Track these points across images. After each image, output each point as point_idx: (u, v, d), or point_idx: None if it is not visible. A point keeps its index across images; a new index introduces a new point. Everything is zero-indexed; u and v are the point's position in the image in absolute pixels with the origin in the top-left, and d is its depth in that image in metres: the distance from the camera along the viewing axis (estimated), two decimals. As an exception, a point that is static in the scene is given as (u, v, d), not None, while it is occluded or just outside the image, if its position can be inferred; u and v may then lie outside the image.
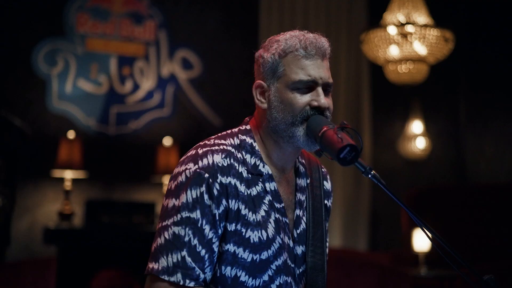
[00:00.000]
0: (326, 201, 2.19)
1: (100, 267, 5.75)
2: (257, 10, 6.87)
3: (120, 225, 5.99)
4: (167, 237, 1.85)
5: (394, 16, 5.27)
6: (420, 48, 5.16)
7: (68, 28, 6.45)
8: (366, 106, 7.04)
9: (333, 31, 6.91)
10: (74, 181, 6.11)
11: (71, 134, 6.07)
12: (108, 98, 6.52)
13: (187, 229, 1.84)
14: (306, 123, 1.92)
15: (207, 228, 1.86)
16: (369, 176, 1.83)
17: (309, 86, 1.92)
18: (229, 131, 2.04)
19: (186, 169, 1.90)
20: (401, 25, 5.15)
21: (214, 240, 1.87)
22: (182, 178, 1.89)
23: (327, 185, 2.22)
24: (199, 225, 1.85)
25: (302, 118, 1.92)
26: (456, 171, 7.33)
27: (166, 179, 6.22)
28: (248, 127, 2.04)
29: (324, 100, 1.93)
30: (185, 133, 6.63)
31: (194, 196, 1.86)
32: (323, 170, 2.22)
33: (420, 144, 6.99)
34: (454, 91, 7.32)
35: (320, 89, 1.93)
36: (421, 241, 5.55)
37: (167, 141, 6.38)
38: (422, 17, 5.19)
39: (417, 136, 7.00)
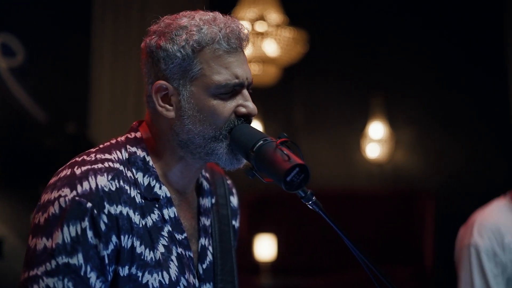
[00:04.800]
0: (233, 222, 1.81)
1: None
2: (89, -4, 6.28)
3: None
4: None
5: (245, 13, 5.00)
6: (271, 49, 4.94)
7: None
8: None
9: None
10: None
11: None
12: None
13: (65, 280, 1.39)
14: (230, 136, 1.53)
15: (93, 276, 1.41)
16: (310, 203, 1.50)
17: (234, 89, 1.53)
18: (113, 141, 1.59)
19: (60, 196, 1.43)
20: (252, 23, 4.91)
21: None
22: (54, 209, 1.42)
23: (234, 201, 1.85)
24: (82, 274, 1.40)
25: (227, 130, 1.53)
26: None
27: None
28: (138, 135, 1.59)
29: (253, 105, 1.56)
30: (5, 129, 5.87)
31: (74, 234, 1.40)
32: (228, 182, 1.84)
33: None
34: (291, 94, 7.25)
35: (246, 92, 1.56)
36: (263, 249, 5.36)
37: (-16, 137, 5.60)
38: (275, 15, 4.97)
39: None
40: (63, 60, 6.19)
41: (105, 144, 1.59)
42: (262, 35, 4.89)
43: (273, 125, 7.17)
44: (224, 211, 1.76)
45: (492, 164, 6.19)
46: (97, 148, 1.57)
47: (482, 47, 6.24)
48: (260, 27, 4.92)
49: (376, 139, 6.56)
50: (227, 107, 1.53)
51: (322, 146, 7.13)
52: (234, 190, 1.88)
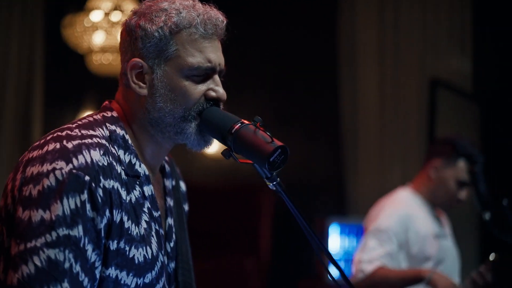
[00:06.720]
0: (184, 205, 1.88)
1: None
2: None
3: None
4: (39, 264, 1.37)
5: (101, 2, 4.89)
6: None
7: None
8: (38, 93, 6.37)
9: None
10: None
11: None
12: None
13: (66, 252, 1.39)
14: (200, 118, 1.59)
15: (89, 248, 1.43)
16: (274, 183, 1.57)
17: (206, 73, 1.60)
18: (91, 118, 1.60)
19: (55, 169, 1.42)
20: (108, 13, 4.82)
21: (97, 264, 1.46)
22: (50, 181, 1.41)
23: (183, 185, 1.91)
24: (81, 245, 1.41)
25: (196, 112, 1.59)
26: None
27: None
28: (114, 114, 1.62)
29: (223, 91, 1.63)
30: None
31: (73, 206, 1.41)
32: (176, 168, 1.91)
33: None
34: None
35: (217, 77, 1.63)
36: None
37: None
38: (130, 6, 4.90)
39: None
40: None
41: (83, 121, 1.58)
42: (117, 24, 4.81)
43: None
44: (177, 194, 1.82)
45: (325, 161, 6.56)
46: (77, 124, 1.56)
47: (316, 49, 6.57)
48: (116, 16, 4.84)
49: (215, 135, 6.67)
50: (198, 89, 1.58)
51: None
52: (181, 175, 1.93)
